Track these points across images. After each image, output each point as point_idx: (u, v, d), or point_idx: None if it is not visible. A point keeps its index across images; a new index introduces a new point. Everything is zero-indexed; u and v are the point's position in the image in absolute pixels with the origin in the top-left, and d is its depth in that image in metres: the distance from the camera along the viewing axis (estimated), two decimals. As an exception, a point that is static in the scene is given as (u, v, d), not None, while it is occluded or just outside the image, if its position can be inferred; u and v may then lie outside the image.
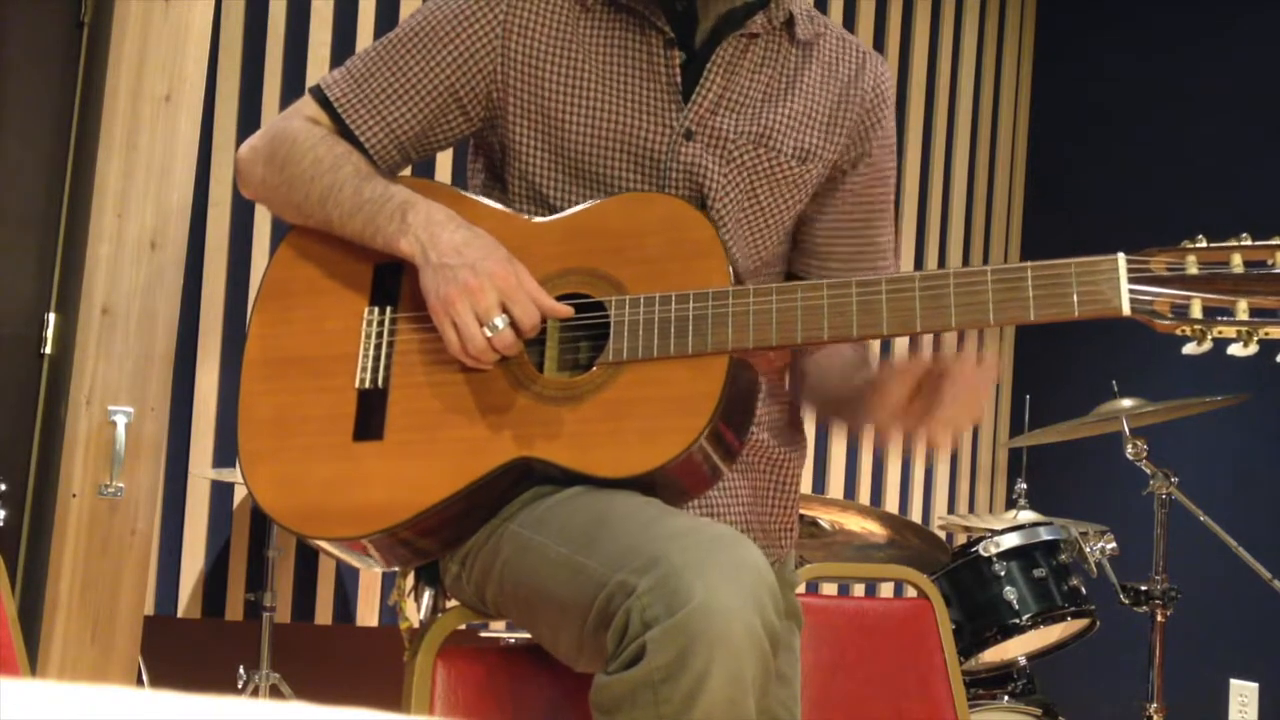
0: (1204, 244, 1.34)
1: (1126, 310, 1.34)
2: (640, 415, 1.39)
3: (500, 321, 1.43)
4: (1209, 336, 1.33)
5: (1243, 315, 1.32)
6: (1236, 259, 1.33)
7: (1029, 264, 1.37)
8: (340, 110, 1.57)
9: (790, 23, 1.58)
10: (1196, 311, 1.33)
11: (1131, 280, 1.34)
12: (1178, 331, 1.34)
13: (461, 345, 1.44)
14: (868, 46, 1.68)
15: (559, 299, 1.46)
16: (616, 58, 1.55)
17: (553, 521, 1.40)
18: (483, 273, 1.43)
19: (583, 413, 1.43)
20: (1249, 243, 1.33)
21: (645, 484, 1.41)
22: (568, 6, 1.57)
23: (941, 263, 4.52)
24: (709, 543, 1.28)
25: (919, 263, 4.42)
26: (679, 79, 1.54)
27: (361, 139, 1.56)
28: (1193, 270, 1.33)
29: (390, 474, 1.46)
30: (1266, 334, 1.31)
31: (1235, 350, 1.33)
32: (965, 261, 4.58)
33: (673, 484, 1.42)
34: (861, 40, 1.69)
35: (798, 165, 1.58)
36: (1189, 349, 1.34)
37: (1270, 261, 1.32)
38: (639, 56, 1.55)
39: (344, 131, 1.57)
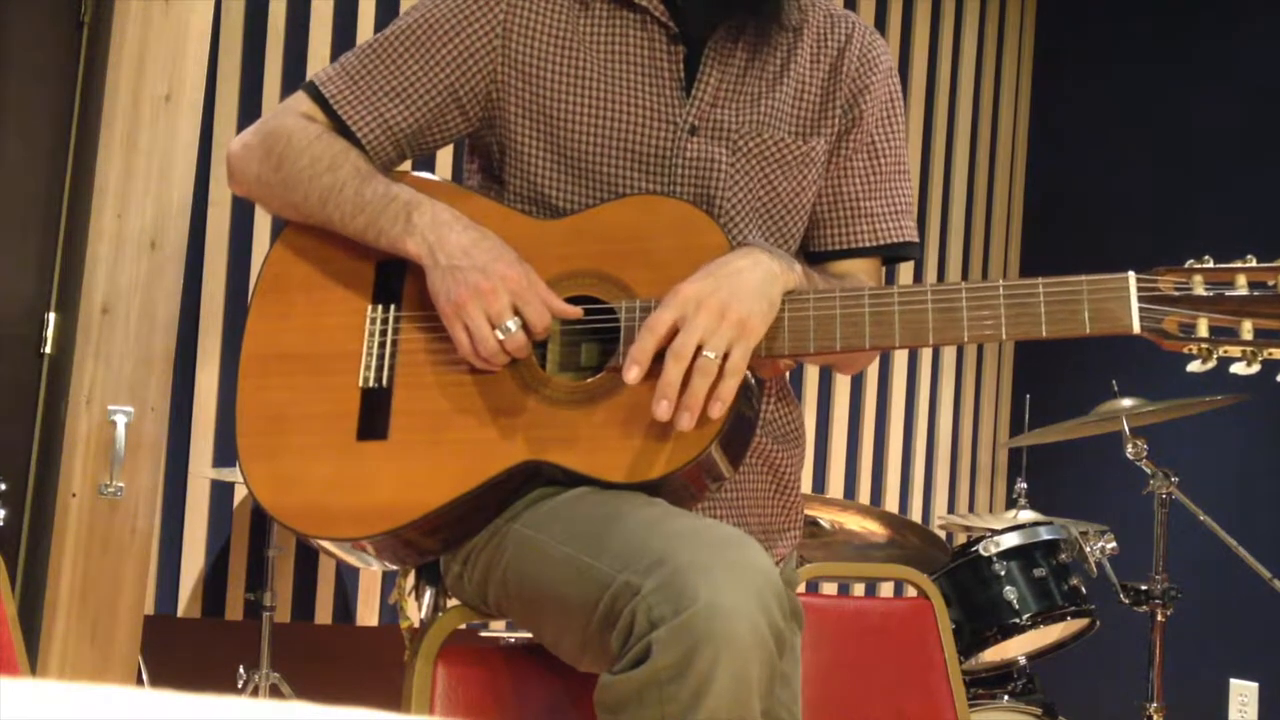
0: (1210, 264, 1.36)
1: (1137, 329, 1.36)
2: (650, 421, 1.38)
3: (513, 324, 1.42)
4: (1214, 355, 1.35)
5: (1247, 335, 1.34)
6: (1241, 280, 1.35)
7: (1040, 280, 1.38)
8: (336, 107, 1.57)
9: (778, 9, 1.59)
10: (1203, 331, 1.35)
11: (1141, 299, 1.36)
12: (1184, 350, 1.36)
13: (473, 347, 1.44)
14: (857, 18, 1.67)
15: (565, 300, 1.46)
16: (618, 55, 1.55)
17: (557, 521, 1.40)
18: (494, 275, 1.43)
19: (593, 417, 1.42)
20: (1253, 264, 1.36)
21: (652, 487, 1.41)
22: (567, 4, 1.56)
23: (941, 265, 4.52)
24: (715, 543, 1.28)
25: (918, 264, 4.42)
26: (682, 74, 1.55)
27: (359, 135, 1.56)
28: (1200, 290, 1.36)
29: (395, 474, 1.46)
30: (1270, 354, 1.34)
31: (1238, 369, 1.36)
32: (965, 264, 4.58)
33: (680, 488, 1.42)
34: (852, 14, 1.69)
35: (803, 143, 1.58)
36: (1194, 366, 1.36)
37: (1273, 283, 1.34)
38: (640, 53, 1.55)
39: (340, 128, 1.56)
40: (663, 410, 1.35)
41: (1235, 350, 1.35)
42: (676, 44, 1.55)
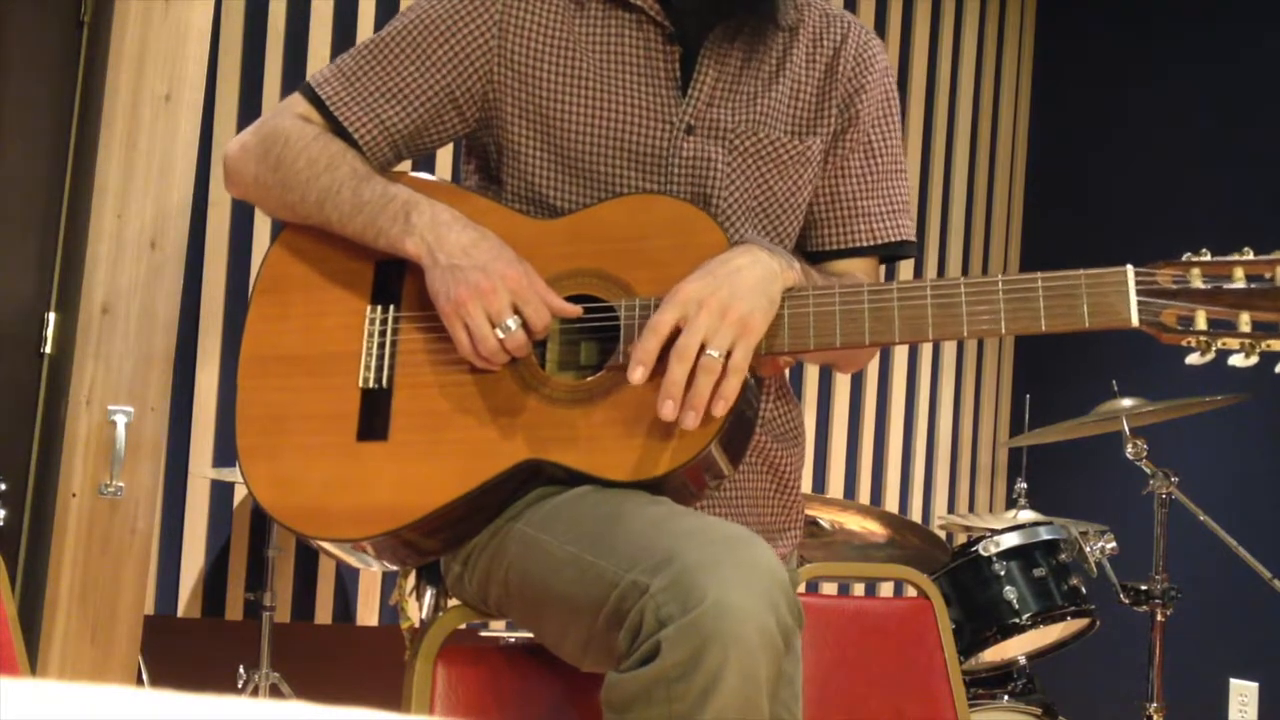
0: (1208, 257, 1.37)
1: (1135, 322, 1.36)
2: (652, 419, 1.39)
3: (513, 323, 1.42)
4: (1213, 348, 1.35)
5: (1245, 328, 1.35)
6: (1239, 273, 1.36)
7: (1039, 274, 1.39)
8: (333, 108, 1.56)
9: (774, 8, 1.59)
10: (1201, 324, 1.36)
11: (1139, 293, 1.36)
12: (1182, 343, 1.36)
13: (473, 347, 1.44)
14: (853, 17, 1.67)
15: (565, 299, 1.46)
16: (614, 55, 1.55)
17: (561, 521, 1.40)
18: (494, 274, 1.43)
19: (594, 416, 1.42)
20: (1250, 257, 1.36)
21: (654, 485, 1.41)
22: (563, 4, 1.56)
23: (941, 264, 4.52)
24: (722, 542, 1.28)
25: (919, 263, 4.42)
26: (678, 73, 1.55)
27: (355, 136, 1.56)
28: (1197, 283, 1.36)
29: (396, 475, 1.46)
30: (1268, 346, 1.35)
31: (1236, 361, 1.36)
32: (965, 264, 4.58)
33: (681, 486, 1.42)
34: (848, 13, 1.69)
35: (799, 143, 1.58)
36: (1192, 359, 1.36)
37: (1270, 275, 1.35)
38: (636, 52, 1.55)
39: (337, 129, 1.56)
40: (668, 410, 1.36)
41: (1234, 343, 1.36)
42: (672, 43, 1.55)
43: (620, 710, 1.27)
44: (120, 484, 2.70)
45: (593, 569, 1.32)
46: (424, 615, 1.64)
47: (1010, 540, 2.89)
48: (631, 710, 1.25)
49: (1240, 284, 1.35)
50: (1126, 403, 3.00)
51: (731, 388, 1.37)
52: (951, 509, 4.49)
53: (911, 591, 2.01)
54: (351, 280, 1.55)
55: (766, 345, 1.41)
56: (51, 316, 2.81)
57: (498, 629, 2.76)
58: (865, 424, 4.31)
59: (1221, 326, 1.36)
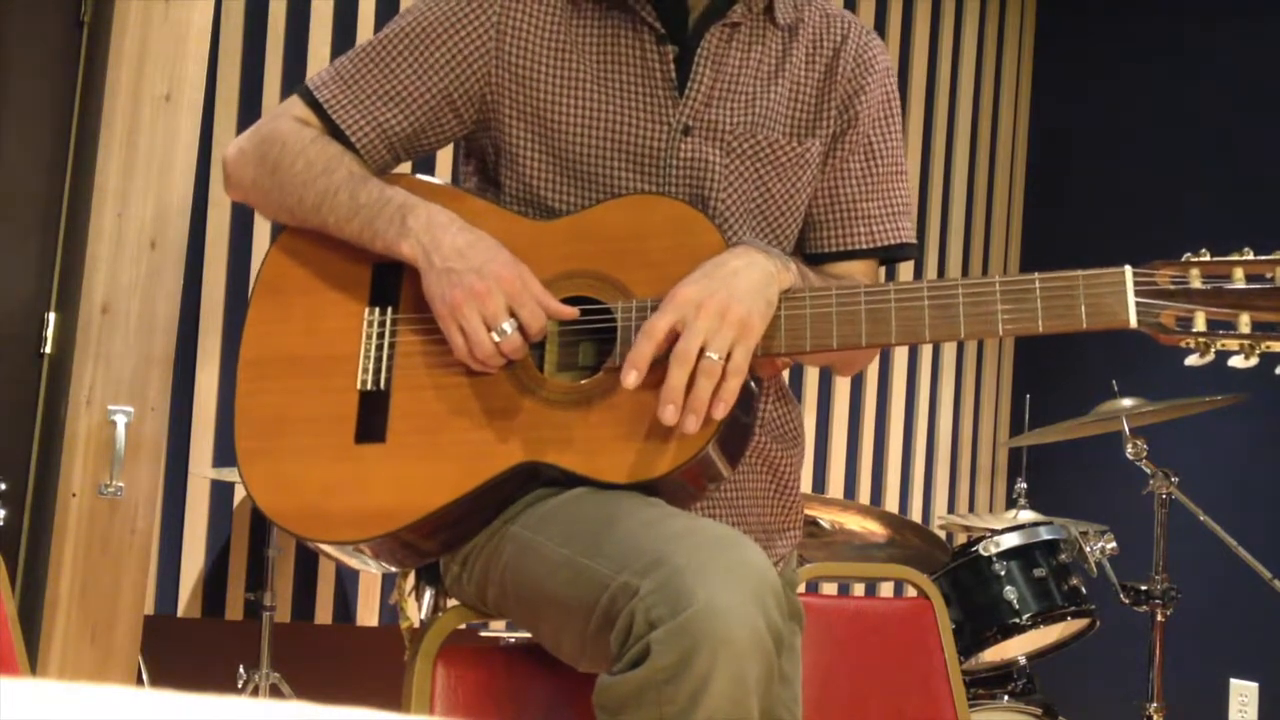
0: (1207, 257, 1.36)
1: (1133, 323, 1.35)
2: (648, 421, 1.38)
3: (508, 326, 1.42)
4: (1212, 349, 1.35)
5: (1245, 329, 1.34)
6: (1239, 273, 1.35)
7: (1036, 275, 1.38)
8: (330, 111, 1.56)
9: (770, 8, 1.59)
10: (1200, 324, 1.35)
11: (1138, 293, 1.35)
12: (1181, 344, 1.35)
13: (469, 350, 1.44)
14: (853, 18, 1.67)
15: (563, 301, 1.46)
16: (610, 56, 1.55)
17: (555, 523, 1.40)
18: (489, 276, 1.43)
19: (590, 418, 1.42)
20: (1250, 257, 1.35)
21: (651, 487, 1.41)
22: (559, 6, 1.56)
23: (941, 265, 4.52)
24: (712, 544, 1.28)
25: (918, 263, 4.42)
26: (673, 74, 1.54)
27: (353, 139, 1.55)
28: (1197, 284, 1.35)
29: (393, 477, 1.46)
30: (1268, 347, 1.34)
31: (1236, 362, 1.35)
32: (965, 264, 4.58)
33: (678, 488, 1.42)
34: (849, 13, 1.68)
35: (797, 145, 1.58)
36: (1192, 360, 1.36)
37: (1270, 276, 1.34)
38: (632, 54, 1.55)
39: (334, 132, 1.56)
40: (669, 415, 1.35)
41: (1233, 344, 1.35)
42: (664, 44, 1.55)
43: (612, 713, 1.27)
44: (120, 484, 2.70)
45: (585, 571, 1.32)
46: (423, 615, 1.64)
47: (1010, 540, 2.89)
48: (623, 713, 1.25)
49: (1240, 284, 1.34)
50: (1126, 403, 3.00)
51: (731, 390, 1.37)
52: (951, 509, 4.49)
53: (911, 591, 2.01)
54: (350, 282, 1.55)
55: (763, 347, 1.41)
56: (51, 316, 2.81)
57: (498, 629, 2.76)
58: (865, 424, 4.31)
59: (1221, 327, 1.35)
